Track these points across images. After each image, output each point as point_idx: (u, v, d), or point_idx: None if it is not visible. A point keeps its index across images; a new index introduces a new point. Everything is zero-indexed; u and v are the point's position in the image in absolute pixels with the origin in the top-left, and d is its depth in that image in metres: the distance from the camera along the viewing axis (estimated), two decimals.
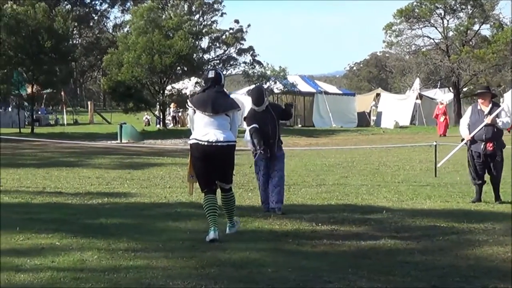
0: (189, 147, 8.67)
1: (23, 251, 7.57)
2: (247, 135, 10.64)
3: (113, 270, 6.78)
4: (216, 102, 8.49)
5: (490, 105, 11.67)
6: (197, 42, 41.73)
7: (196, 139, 8.50)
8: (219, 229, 8.46)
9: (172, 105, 44.00)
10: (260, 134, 10.39)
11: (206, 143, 8.40)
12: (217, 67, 44.09)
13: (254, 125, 10.44)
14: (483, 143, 11.53)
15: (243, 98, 34.10)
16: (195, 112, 8.62)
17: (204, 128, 8.48)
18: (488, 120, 11.46)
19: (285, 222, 9.72)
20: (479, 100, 11.82)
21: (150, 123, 45.83)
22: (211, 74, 8.74)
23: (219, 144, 8.41)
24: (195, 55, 40.20)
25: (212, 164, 8.47)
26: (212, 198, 8.56)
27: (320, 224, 9.54)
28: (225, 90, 9.16)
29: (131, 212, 10.63)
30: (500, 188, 11.91)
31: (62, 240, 8.21)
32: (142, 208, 11.04)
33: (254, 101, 10.64)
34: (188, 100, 8.96)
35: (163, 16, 41.12)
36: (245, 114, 10.94)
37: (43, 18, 34.90)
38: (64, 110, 49.22)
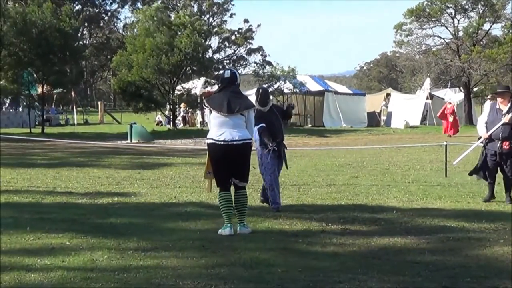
0: (201, 146, 8.89)
1: (33, 251, 7.60)
2: (256, 134, 10.73)
3: (123, 270, 6.80)
4: (232, 102, 8.75)
5: (509, 104, 11.63)
6: (206, 42, 41.71)
7: (212, 138, 8.81)
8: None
9: (182, 105, 44.03)
10: (268, 132, 10.66)
11: (222, 143, 8.72)
12: (227, 67, 44.08)
13: (262, 124, 10.64)
14: (499, 142, 11.53)
15: (253, 98, 34.10)
16: (211, 112, 8.85)
17: (220, 128, 8.76)
18: (505, 119, 11.44)
19: (295, 222, 9.72)
20: (498, 99, 11.81)
21: (163, 123, 45.71)
22: (227, 74, 9.02)
23: (235, 142, 8.71)
24: (203, 53, 40.16)
25: (228, 162, 8.78)
26: (228, 195, 8.88)
27: (330, 224, 9.53)
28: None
29: (141, 212, 10.65)
30: None
31: (72, 240, 8.23)
32: (152, 208, 11.05)
33: (260, 101, 10.87)
34: (204, 101, 9.22)
35: (172, 17, 41.09)
36: None
37: (51, 18, 34.91)
38: (75, 110, 49.37)
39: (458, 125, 35.25)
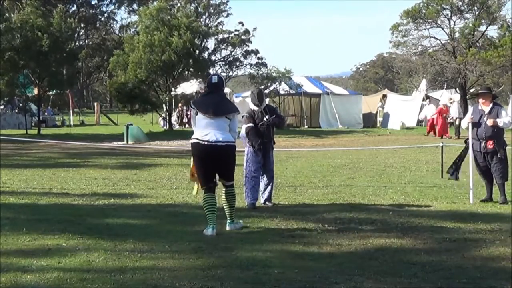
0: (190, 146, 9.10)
1: (29, 252, 7.59)
2: (243, 133, 11.32)
3: (119, 271, 6.80)
4: (218, 105, 9.15)
5: (491, 105, 11.83)
6: (203, 43, 41.61)
7: (197, 138, 9.11)
8: (218, 228, 8.92)
9: (179, 104, 43.99)
10: (256, 132, 11.15)
11: (206, 143, 9.01)
12: (222, 68, 44.05)
13: (250, 124, 11.21)
14: (483, 142, 11.67)
15: (248, 99, 34.01)
16: (197, 113, 9.18)
17: (205, 129, 9.07)
18: (489, 123, 11.59)
19: (291, 223, 9.73)
20: (480, 100, 12.06)
21: (162, 125, 45.29)
22: (214, 80, 9.38)
23: (218, 144, 9.00)
24: (199, 54, 40.06)
25: (211, 163, 9.09)
26: (211, 196, 9.10)
27: (326, 225, 9.54)
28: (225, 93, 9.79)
29: (137, 213, 10.65)
30: (505, 188, 11.90)
31: (68, 241, 8.23)
32: (149, 209, 11.05)
33: (255, 102, 11.39)
34: (191, 102, 9.70)
35: (168, 18, 40.94)
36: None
37: (44, 21, 34.82)
38: (71, 111, 49.26)
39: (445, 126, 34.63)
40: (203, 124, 9.09)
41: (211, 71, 40.89)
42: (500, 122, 11.63)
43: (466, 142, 12.30)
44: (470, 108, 12.53)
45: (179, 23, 37.90)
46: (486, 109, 11.82)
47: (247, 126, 11.24)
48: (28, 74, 35.85)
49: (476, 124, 11.83)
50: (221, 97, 9.32)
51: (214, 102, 9.14)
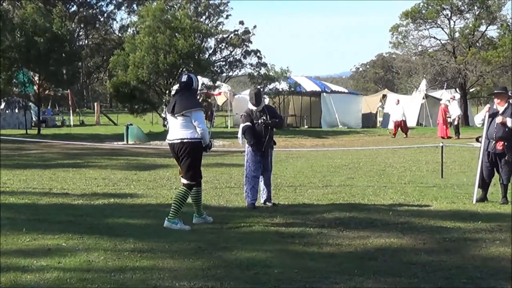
0: None
1: (29, 252, 7.59)
2: (240, 132, 11.52)
3: (119, 271, 6.80)
4: (176, 104, 9.38)
5: (506, 105, 11.78)
6: (203, 43, 41.62)
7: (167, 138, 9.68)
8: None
9: None
10: (252, 131, 11.28)
11: (168, 141, 9.58)
12: (223, 68, 43.98)
13: (247, 123, 11.36)
14: (493, 142, 11.63)
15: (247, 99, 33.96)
16: None
17: (169, 128, 9.58)
18: (498, 120, 11.54)
19: (291, 223, 9.74)
20: (496, 100, 12.00)
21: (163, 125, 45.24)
22: (183, 79, 9.64)
23: (174, 141, 9.41)
24: (200, 55, 40.06)
25: (177, 160, 9.57)
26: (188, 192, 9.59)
27: (326, 225, 9.54)
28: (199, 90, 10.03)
29: (137, 213, 10.65)
30: (508, 190, 11.88)
31: (68, 241, 8.23)
32: (149, 209, 11.06)
33: (253, 102, 11.50)
34: None
35: (170, 17, 40.94)
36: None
37: (44, 21, 34.83)
38: (71, 111, 49.24)
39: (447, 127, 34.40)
40: (169, 123, 9.60)
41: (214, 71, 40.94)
42: (509, 122, 11.55)
43: (477, 140, 12.26)
44: (486, 106, 12.49)
45: (183, 25, 37.85)
46: (501, 109, 11.78)
47: (244, 125, 11.36)
48: (27, 73, 35.78)
49: (488, 123, 11.78)
50: (184, 96, 9.43)
51: (175, 102, 9.40)
